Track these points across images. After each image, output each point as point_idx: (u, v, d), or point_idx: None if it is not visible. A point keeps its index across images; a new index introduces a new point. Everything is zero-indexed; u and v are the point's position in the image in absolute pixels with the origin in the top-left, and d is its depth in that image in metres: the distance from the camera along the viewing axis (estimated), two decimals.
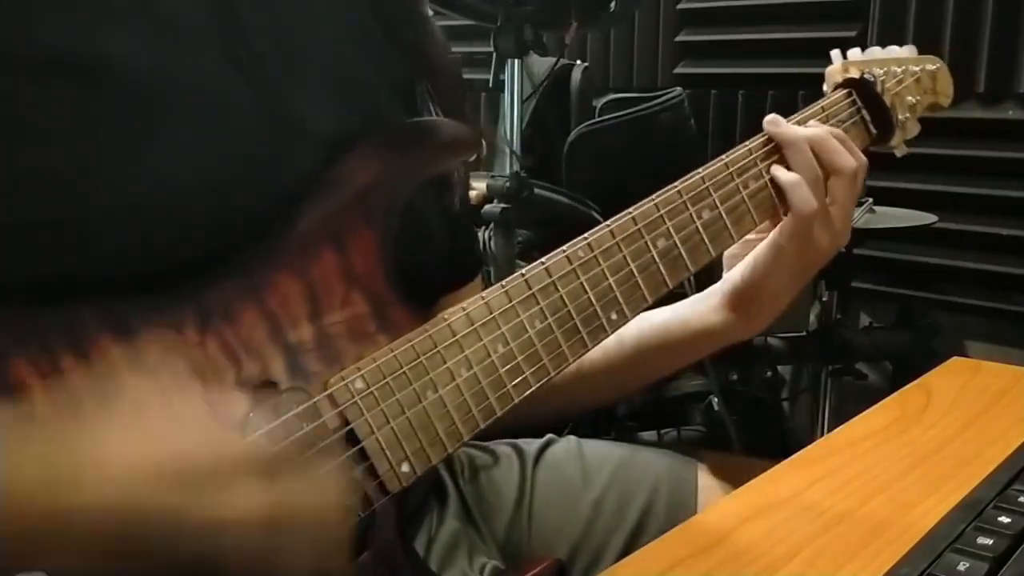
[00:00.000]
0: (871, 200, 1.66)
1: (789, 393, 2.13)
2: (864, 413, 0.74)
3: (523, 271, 0.57)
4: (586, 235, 0.59)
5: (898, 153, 0.80)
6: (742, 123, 2.18)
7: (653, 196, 0.63)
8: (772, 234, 0.69)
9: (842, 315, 1.89)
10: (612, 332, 0.60)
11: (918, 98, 0.81)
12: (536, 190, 1.49)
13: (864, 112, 0.77)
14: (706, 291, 0.74)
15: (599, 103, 1.99)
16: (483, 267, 0.75)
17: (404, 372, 0.51)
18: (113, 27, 0.47)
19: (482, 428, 0.54)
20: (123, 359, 0.43)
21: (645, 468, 0.78)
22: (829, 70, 0.78)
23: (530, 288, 0.56)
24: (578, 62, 2.06)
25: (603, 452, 0.80)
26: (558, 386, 0.58)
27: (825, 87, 0.78)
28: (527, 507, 0.76)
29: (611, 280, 0.59)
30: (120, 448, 0.38)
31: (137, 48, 0.48)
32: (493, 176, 1.49)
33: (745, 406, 1.79)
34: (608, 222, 0.60)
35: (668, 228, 0.62)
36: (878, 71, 0.77)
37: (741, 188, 0.67)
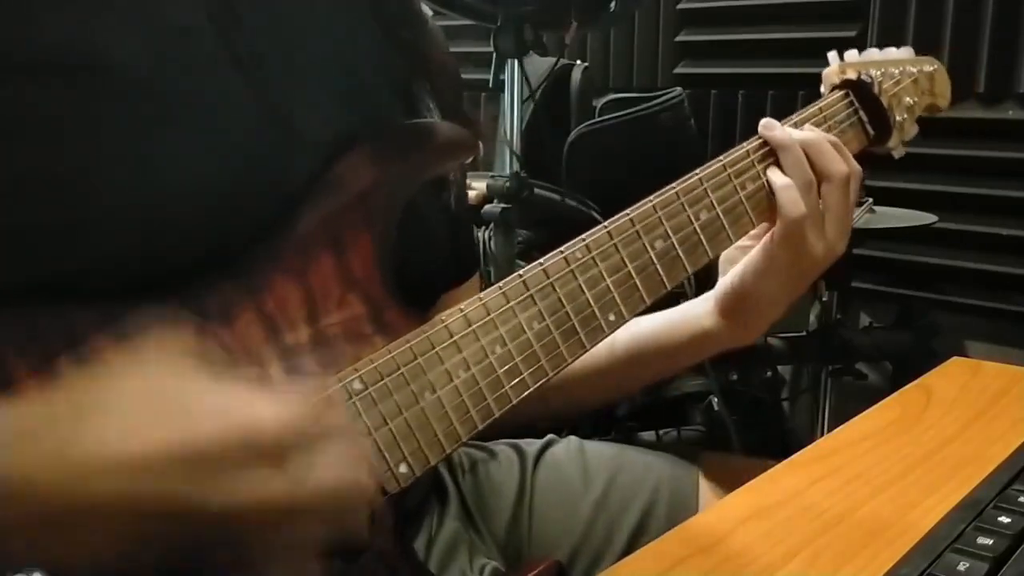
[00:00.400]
0: (871, 200, 1.66)
1: (789, 393, 2.13)
2: (864, 413, 0.74)
3: (521, 272, 0.57)
4: (584, 236, 0.59)
5: (896, 155, 0.80)
6: (742, 123, 2.18)
7: (651, 197, 0.63)
8: (764, 239, 0.69)
9: (842, 315, 1.89)
10: (611, 333, 0.59)
11: (916, 99, 0.81)
12: (536, 190, 1.49)
13: (861, 113, 0.77)
14: (702, 296, 0.74)
15: (599, 103, 1.99)
16: (480, 266, 0.75)
17: (402, 373, 0.51)
18: (112, 27, 0.47)
19: (480, 429, 0.54)
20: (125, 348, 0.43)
21: (645, 469, 0.78)
22: (826, 71, 0.78)
23: (528, 289, 0.56)
24: (578, 62, 2.06)
25: (603, 453, 0.80)
26: (551, 389, 0.58)
27: (823, 88, 0.78)
28: (527, 507, 0.76)
29: (609, 281, 0.59)
30: (131, 436, 0.38)
31: (136, 49, 0.48)
32: (493, 176, 1.49)
33: (745, 406, 1.79)
34: (606, 223, 0.60)
35: (666, 229, 0.62)
36: (875, 72, 0.77)
37: (739, 189, 0.66)
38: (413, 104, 0.64)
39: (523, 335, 0.56)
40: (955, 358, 0.86)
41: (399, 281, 0.54)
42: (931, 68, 0.84)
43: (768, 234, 0.68)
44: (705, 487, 0.77)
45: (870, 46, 0.82)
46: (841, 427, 0.72)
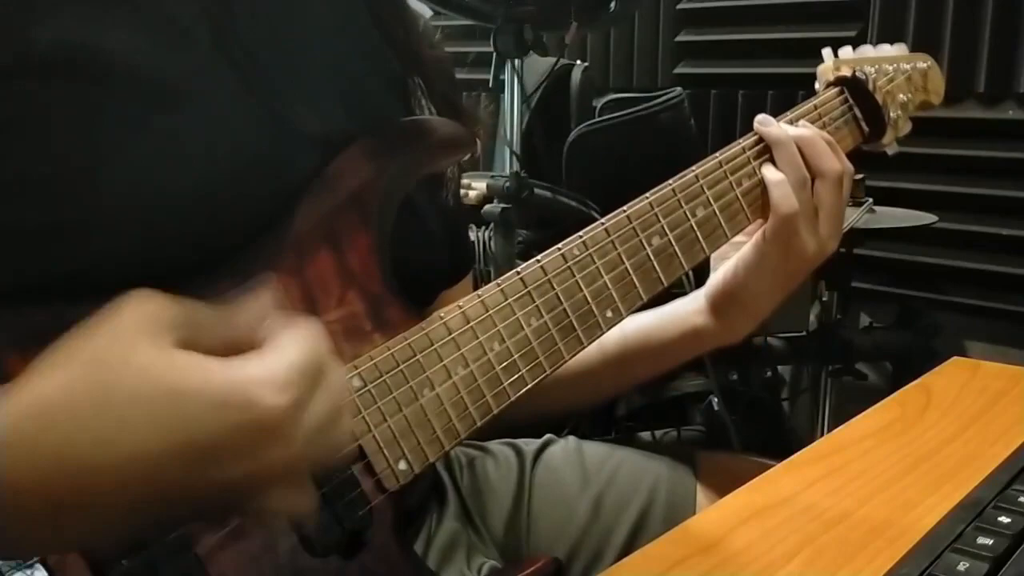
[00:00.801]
0: (871, 200, 1.66)
1: (789, 393, 2.13)
2: (864, 413, 0.74)
3: (518, 269, 0.56)
4: (581, 233, 0.59)
5: (890, 151, 0.80)
6: (742, 123, 2.18)
7: (648, 194, 0.63)
8: (756, 235, 0.69)
9: (842, 315, 1.88)
10: (608, 330, 0.59)
11: (909, 96, 0.81)
12: (536, 190, 1.49)
13: (856, 110, 0.77)
14: (692, 293, 0.74)
15: (599, 103, 1.98)
16: (474, 264, 0.75)
17: (401, 370, 0.51)
18: (110, 25, 0.47)
19: (479, 425, 0.54)
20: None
21: (643, 469, 0.78)
22: (821, 68, 0.78)
23: (526, 286, 0.56)
24: (578, 62, 2.06)
25: (602, 452, 0.80)
26: (544, 388, 0.58)
27: (817, 85, 0.78)
28: (525, 507, 0.76)
29: (606, 278, 0.59)
30: (128, 436, 0.38)
31: (133, 47, 0.48)
32: (493, 176, 1.48)
33: (745, 406, 1.79)
34: (602, 220, 0.60)
35: (662, 226, 0.62)
36: (869, 69, 0.77)
37: (734, 186, 0.66)
38: (407, 100, 0.64)
39: (521, 332, 0.56)
40: (955, 358, 0.86)
41: (398, 278, 0.54)
42: (924, 65, 0.85)
43: (760, 230, 0.68)
44: (705, 487, 0.77)
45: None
46: (841, 427, 0.72)
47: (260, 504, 0.40)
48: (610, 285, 0.59)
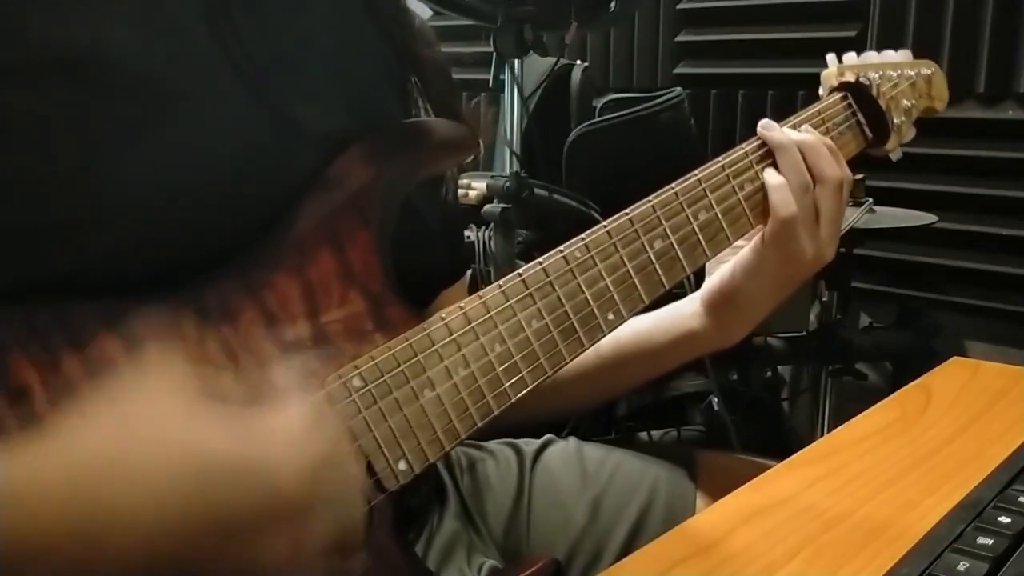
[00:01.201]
0: (871, 200, 1.66)
1: (789, 393, 2.13)
2: (864, 413, 0.74)
3: (520, 271, 0.57)
4: (583, 235, 0.59)
5: (893, 157, 0.81)
6: (742, 123, 2.18)
7: (650, 197, 0.63)
8: (755, 239, 0.69)
9: (842, 315, 1.88)
10: (609, 332, 0.59)
11: (913, 102, 0.81)
12: (536, 190, 1.49)
13: (860, 116, 0.77)
14: (688, 296, 0.74)
15: (599, 103, 1.98)
16: (472, 264, 0.76)
17: (401, 370, 0.51)
18: (108, 24, 0.47)
19: (480, 427, 0.54)
20: (135, 376, 0.43)
21: (643, 469, 0.78)
22: (825, 74, 0.78)
23: (527, 288, 0.56)
24: (578, 62, 2.06)
25: (602, 453, 0.80)
26: (540, 389, 0.58)
27: (821, 91, 0.78)
28: (525, 507, 0.76)
29: (608, 280, 0.59)
30: (149, 502, 0.39)
31: (132, 46, 0.48)
32: (493, 176, 1.48)
33: (745, 406, 1.79)
34: (605, 223, 0.60)
35: (665, 229, 0.62)
36: (874, 75, 0.77)
37: (737, 190, 0.67)
38: (406, 100, 0.64)
39: (522, 333, 0.56)
40: (955, 358, 0.86)
41: (399, 278, 0.54)
42: (929, 71, 0.85)
43: (760, 234, 0.68)
44: (705, 487, 0.77)
45: (870, 46, 0.83)
46: (841, 427, 0.72)
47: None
48: (612, 287, 0.59)
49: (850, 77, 0.77)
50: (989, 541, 0.49)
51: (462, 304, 0.54)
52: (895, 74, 0.80)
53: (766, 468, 0.65)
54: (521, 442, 0.82)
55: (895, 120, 0.79)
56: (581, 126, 1.82)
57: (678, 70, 2.29)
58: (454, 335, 0.53)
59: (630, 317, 0.61)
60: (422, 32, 0.68)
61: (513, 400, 0.55)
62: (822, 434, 1.02)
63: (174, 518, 0.39)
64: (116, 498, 0.38)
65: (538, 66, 1.88)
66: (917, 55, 0.86)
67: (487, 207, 1.45)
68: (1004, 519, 0.51)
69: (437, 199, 0.65)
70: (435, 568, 0.68)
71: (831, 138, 0.72)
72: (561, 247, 0.59)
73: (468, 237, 1.52)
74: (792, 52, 2.06)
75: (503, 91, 1.55)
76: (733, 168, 0.67)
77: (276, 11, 0.56)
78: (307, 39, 0.58)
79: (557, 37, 1.72)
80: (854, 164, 0.74)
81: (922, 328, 1.88)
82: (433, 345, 0.53)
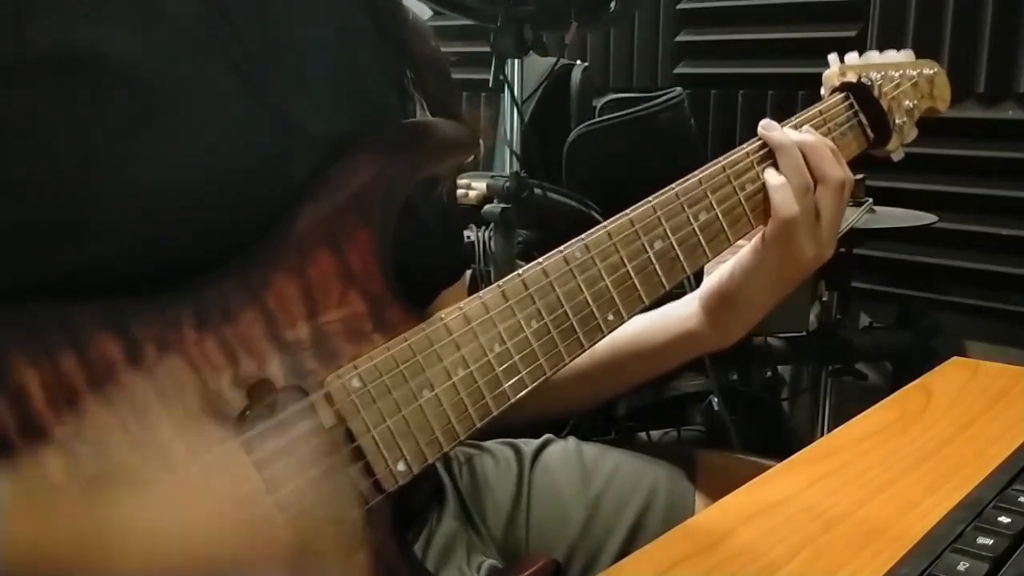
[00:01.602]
0: (871, 200, 1.66)
1: (789, 393, 2.13)
2: (864, 413, 0.74)
3: (520, 271, 0.56)
4: (583, 236, 0.59)
5: (895, 158, 0.80)
6: (742, 123, 2.18)
7: (650, 198, 0.63)
8: (755, 239, 0.69)
9: (842, 315, 1.88)
10: (609, 333, 0.59)
11: (915, 102, 0.81)
12: (536, 190, 1.49)
13: (861, 116, 0.77)
14: (686, 297, 0.74)
15: (599, 103, 1.99)
16: (471, 263, 0.76)
17: (400, 371, 0.51)
18: (106, 24, 0.47)
19: (478, 427, 0.54)
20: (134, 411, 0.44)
21: (642, 469, 0.78)
22: (826, 74, 0.78)
23: (527, 288, 0.56)
24: (578, 62, 2.06)
25: (600, 453, 0.80)
26: (538, 390, 0.58)
27: (823, 91, 0.78)
28: (525, 506, 0.76)
29: (608, 281, 0.59)
30: (146, 528, 0.39)
31: (130, 45, 0.47)
32: (493, 176, 1.48)
33: (745, 406, 1.79)
34: (605, 223, 0.60)
35: (665, 229, 0.62)
36: (875, 75, 0.77)
37: (738, 191, 0.66)
38: (405, 99, 0.64)
39: (521, 334, 0.56)
40: (955, 358, 0.86)
41: (398, 278, 0.54)
42: (931, 71, 0.84)
43: (760, 234, 0.68)
44: (705, 487, 0.77)
45: (870, 46, 0.83)
46: (841, 427, 0.72)
47: None
48: (611, 288, 0.59)
49: (852, 77, 0.77)
50: (989, 541, 0.49)
51: (461, 304, 0.54)
52: (897, 74, 0.80)
53: (766, 468, 0.65)
54: (520, 442, 0.82)
55: (897, 120, 0.79)
56: (581, 126, 1.82)
57: (678, 70, 2.29)
58: (453, 335, 0.53)
59: (630, 318, 0.61)
60: (419, 31, 0.68)
61: (512, 401, 0.55)
62: (822, 434, 1.02)
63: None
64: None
65: (538, 66, 1.88)
66: (917, 55, 0.86)
67: (487, 207, 1.45)
68: (1004, 519, 0.51)
69: (435, 197, 0.65)
70: (434, 568, 0.68)
71: (832, 139, 0.72)
72: (561, 247, 0.58)
73: (468, 237, 1.53)
74: (792, 52, 2.06)
75: (503, 91, 1.55)
76: (734, 168, 0.67)
77: (275, 10, 0.56)
78: (306, 38, 0.58)
79: (557, 37, 1.72)
80: (854, 164, 0.74)
81: (922, 328, 1.88)
82: (432, 346, 0.53)
